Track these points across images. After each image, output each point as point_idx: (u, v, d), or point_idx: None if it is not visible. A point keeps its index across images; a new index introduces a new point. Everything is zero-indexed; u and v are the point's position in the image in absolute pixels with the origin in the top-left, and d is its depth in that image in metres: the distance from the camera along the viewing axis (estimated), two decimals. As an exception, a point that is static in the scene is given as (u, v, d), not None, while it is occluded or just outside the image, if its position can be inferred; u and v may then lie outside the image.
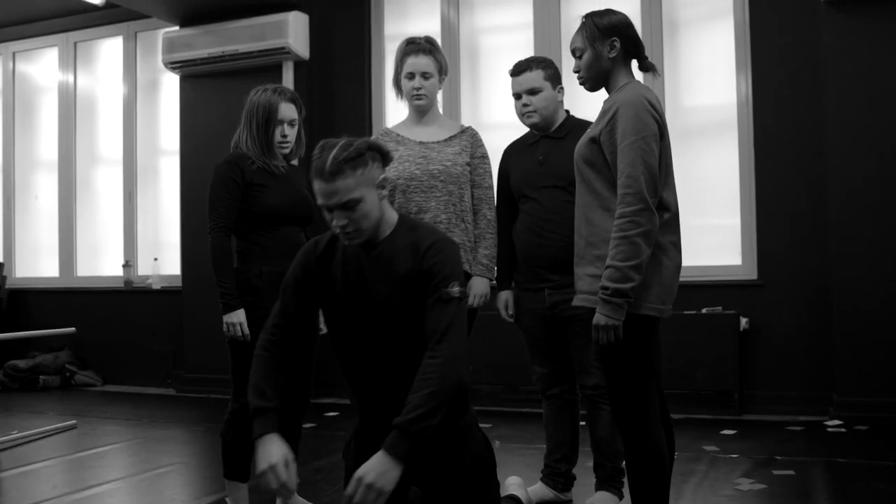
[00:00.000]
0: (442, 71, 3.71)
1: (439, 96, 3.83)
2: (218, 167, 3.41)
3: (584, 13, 2.94)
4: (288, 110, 3.46)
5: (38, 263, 8.25)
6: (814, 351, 5.58)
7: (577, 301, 2.86)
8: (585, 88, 2.96)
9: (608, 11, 2.90)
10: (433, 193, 3.59)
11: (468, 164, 3.68)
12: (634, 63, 2.93)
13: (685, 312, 5.71)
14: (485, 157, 3.76)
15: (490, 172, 3.75)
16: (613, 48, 2.84)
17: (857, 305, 5.31)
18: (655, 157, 2.68)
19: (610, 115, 2.76)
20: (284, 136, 3.46)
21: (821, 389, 5.49)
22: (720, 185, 5.93)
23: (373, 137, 3.74)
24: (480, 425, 2.81)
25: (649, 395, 2.76)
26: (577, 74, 2.93)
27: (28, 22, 8.14)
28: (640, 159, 2.65)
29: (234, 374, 3.37)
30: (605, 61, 2.85)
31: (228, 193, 3.34)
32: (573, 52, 2.91)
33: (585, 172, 2.83)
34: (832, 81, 5.44)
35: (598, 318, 2.66)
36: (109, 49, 8.00)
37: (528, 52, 6.37)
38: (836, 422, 5.22)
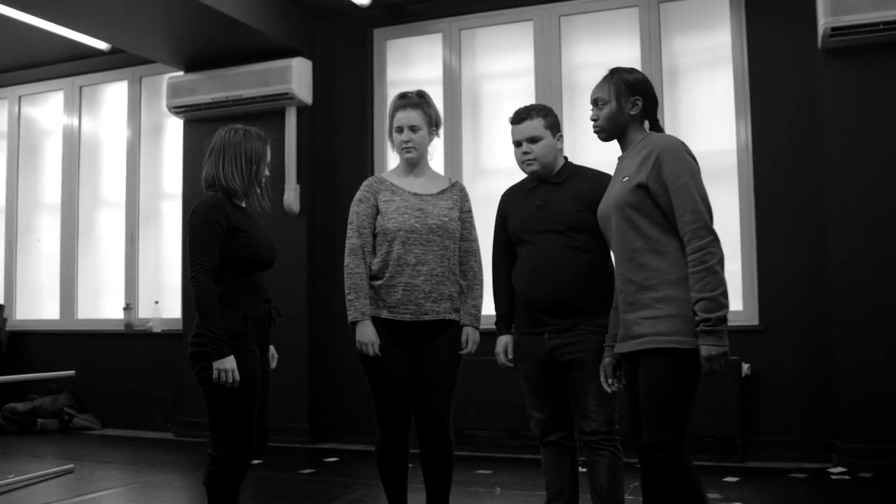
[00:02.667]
0: (432, 123, 3.80)
1: (432, 148, 3.89)
2: (201, 209, 3.40)
3: (612, 67, 3.14)
4: (269, 153, 3.60)
5: (39, 306, 8.24)
6: (817, 397, 5.55)
7: (639, 345, 2.88)
8: (600, 138, 3.09)
9: (634, 70, 3.08)
10: (431, 247, 3.70)
11: (458, 219, 3.80)
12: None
13: (687, 358, 5.69)
14: (470, 211, 3.91)
15: (475, 226, 3.89)
16: (636, 106, 3.00)
17: (860, 351, 5.30)
18: (706, 193, 2.86)
19: (652, 160, 2.87)
20: (266, 175, 3.59)
21: (824, 436, 5.46)
22: (721, 230, 5.83)
23: (365, 183, 3.79)
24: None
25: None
26: (594, 122, 3.06)
27: (34, 66, 8.22)
28: (698, 195, 2.83)
29: (216, 421, 3.38)
30: (625, 116, 3.01)
31: (213, 237, 3.32)
32: (595, 101, 3.06)
33: (634, 218, 2.91)
34: (831, 128, 5.49)
35: (709, 350, 2.73)
36: (114, 93, 8.08)
37: (529, 98, 6.44)
38: (840, 469, 5.19)
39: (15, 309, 8.29)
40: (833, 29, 5.28)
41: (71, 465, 5.65)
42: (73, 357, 7.09)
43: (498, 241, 3.74)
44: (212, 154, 3.59)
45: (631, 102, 3.00)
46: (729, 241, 5.88)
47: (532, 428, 3.64)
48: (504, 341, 3.69)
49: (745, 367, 5.60)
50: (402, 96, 3.80)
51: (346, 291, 3.72)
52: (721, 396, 5.56)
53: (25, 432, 7.29)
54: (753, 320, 5.79)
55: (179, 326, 7.22)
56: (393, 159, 6.81)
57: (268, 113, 6.84)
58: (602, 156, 6.23)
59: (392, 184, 3.81)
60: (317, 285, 6.89)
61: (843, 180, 5.42)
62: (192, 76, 6.99)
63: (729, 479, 5.07)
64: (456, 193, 3.86)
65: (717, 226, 6.08)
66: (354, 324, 3.68)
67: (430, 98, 3.84)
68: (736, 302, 5.88)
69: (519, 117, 3.65)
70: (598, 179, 3.53)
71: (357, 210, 3.80)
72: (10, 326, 8.10)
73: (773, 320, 5.69)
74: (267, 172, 3.57)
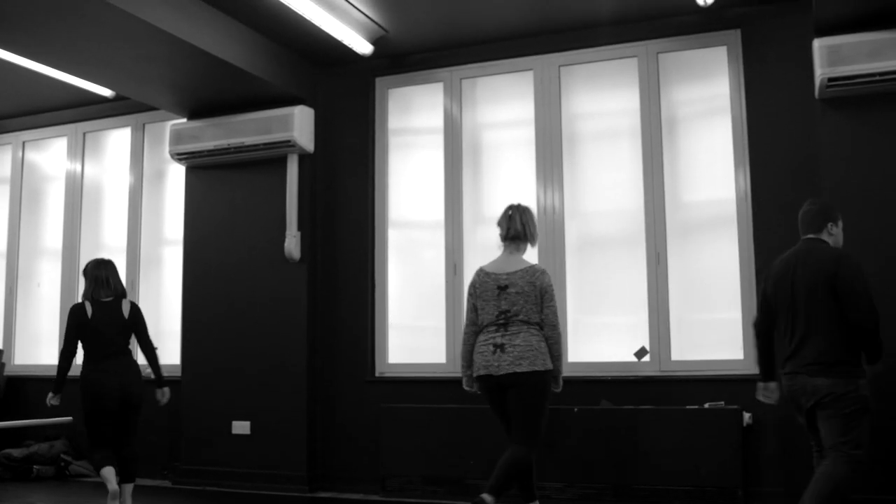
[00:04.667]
0: None
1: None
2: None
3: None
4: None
5: (38, 351, 8.20)
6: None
7: None
8: None
9: None
10: None
11: None
12: None
13: (687, 407, 5.67)
14: None
15: None
16: None
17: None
18: None
19: None
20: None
21: (826, 487, 5.39)
22: (721, 279, 5.95)
23: None
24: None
25: None
26: None
27: (38, 112, 8.29)
28: None
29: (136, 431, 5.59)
30: None
31: None
32: None
33: None
34: (829, 177, 5.51)
35: None
36: (117, 140, 8.12)
37: (529, 147, 6.49)
38: (843, 521, 5.12)
39: (14, 354, 8.26)
40: (830, 79, 5.33)
41: (66, 514, 5.60)
42: (70, 403, 7.02)
43: None
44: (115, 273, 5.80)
45: None
46: (729, 289, 5.90)
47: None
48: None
49: (747, 416, 5.56)
50: None
51: None
52: (722, 446, 5.53)
53: (21, 479, 7.22)
54: (754, 369, 5.72)
55: (178, 373, 7.18)
56: (394, 206, 6.88)
57: (269, 160, 6.89)
58: (600, 204, 6.29)
59: None
60: (317, 332, 6.87)
61: (842, 228, 5.42)
62: (195, 123, 7.04)
63: (731, 530, 5.01)
64: None
65: (717, 275, 6.10)
66: None
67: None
68: (736, 351, 5.86)
69: None
70: None
71: None
72: (8, 371, 8.07)
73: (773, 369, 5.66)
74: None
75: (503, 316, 4.78)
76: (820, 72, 5.35)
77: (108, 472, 5.36)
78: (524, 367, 4.67)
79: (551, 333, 4.79)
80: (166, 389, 5.84)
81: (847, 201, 5.43)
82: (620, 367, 6.04)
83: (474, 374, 4.89)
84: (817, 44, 5.39)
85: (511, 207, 5.02)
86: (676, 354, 6.00)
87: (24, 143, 8.55)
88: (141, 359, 5.89)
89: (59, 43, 5.67)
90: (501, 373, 4.70)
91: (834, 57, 5.31)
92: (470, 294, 4.99)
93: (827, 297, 4.18)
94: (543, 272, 4.87)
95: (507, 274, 4.85)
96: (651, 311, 6.04)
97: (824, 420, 4.19)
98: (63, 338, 5.69)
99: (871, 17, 5.24)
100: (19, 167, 8.55)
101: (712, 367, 5.85)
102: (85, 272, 5.82)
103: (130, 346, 5.78)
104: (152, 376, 5.79)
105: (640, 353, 6.01)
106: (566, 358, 6.19)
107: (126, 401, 5.52)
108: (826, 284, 4.18)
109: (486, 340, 4.81)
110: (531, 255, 5.12)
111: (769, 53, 5.90)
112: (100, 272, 5.73)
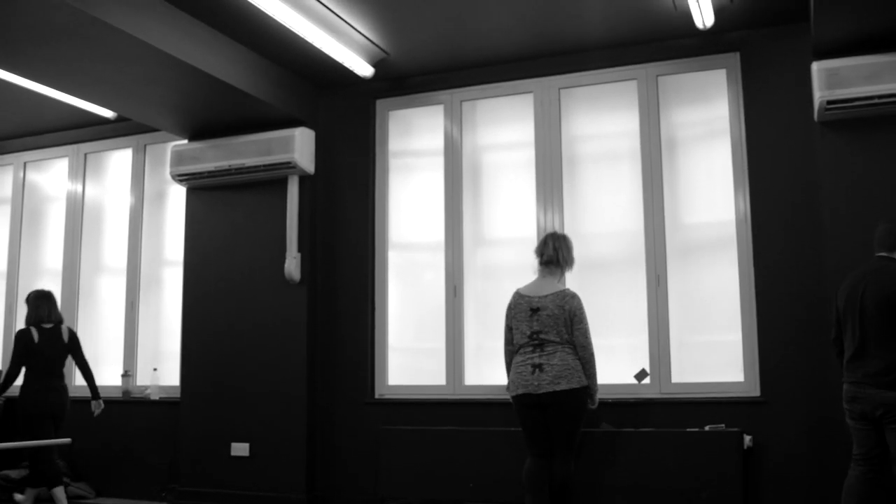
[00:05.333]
0: None
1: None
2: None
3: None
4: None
5: (37, 372, 8.18)
6: (820, 468, 5.49)
7: None
8: None
9: None
10: None
11: None
12: None
13: (688, 430, 5.65)
14: None
15: None
16: None
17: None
18: None
19: None
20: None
21: (828, 510, 5.38)
22: (721, 301, 5.95)
23: None
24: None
25: None
26: None
27: (40, 133, 8.31)
28: None
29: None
30: None
31: None
32: None
33: None
34: (828, 198, 5.52)
35: None
36: (119, 160, 8.13)
37: (529, 169, 6.50)
38: (845, 544, 5.10)
39: (12, 375, 8.23)
40: (829, 102, 5.35)
41: (63, 536, 5.57)
42: (69, 424, 7.00)
43: None
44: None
45: None
46: (728, 311, 5.90)
47: None
48: None
49: (747, 438, 5.55)
50: None
51: None
52: (722, 469, 5.50)
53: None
54: (754, 391, 5.75)
55: (177, 394, 7.17)
56: (395, 228, 6.89)
57: (270, 182, 6.90)
58: (600, 226, 6.30)
59: None
60: (316, 353, 6.86)
61: (842, 249, 5.44)
62: (196, 144, 7.06)
63: (732, 554, 4.98)
64: None
65: (717, 297, 6.09)
66: None
67: None
68: (737, 373, 5.85)
69: None
70: None
71: None
72: (6, 392, 8.03)
73: (774, 391, 5.66)
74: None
75: (536, 336, 5.11)
76: (819, 94, 5.37)
77: (59, 492, 6.23)
78: (563, 386, 5.00)
79: (583, 354, 5.11)
80: (101, 401, 6.60)
81: (847, 223, 5.44)
82: (620, 390, 6.03)
83: (511, 393, 5.20)
84: (816, 67, 5.41)
85: (548, 235, 5.45)
86: (677, 377, 5.99)
87: (25, 163, 8.56)
88: (78, 377, 6.79)
89: (60, 64, 5.69)
90: (541, 391, 5.01)
91: (833, 80, 5.33)
92: (506, 315, 5.31)
93: (891, 313, 4.42)
94: (573, 296, 5.19)
95: (540, 297, 5.18)
96: (651, 332, 6.04)
97: (892, 432, 4.38)
98: (10, 361, 6.33)
99: (869, 40, 5.27)
100: (20, 188, 8.56)
101: (713, 389, 5.84)
102: (28, 300, 6.58)
103: (65, 369, 6.56)
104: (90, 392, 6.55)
105: (641, 375, 6.00)
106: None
107: (52, 417, 6.28)
108: (890, 301, 4.43)
109: (525, 361, 5.12)
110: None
111: (768, 76, 5.93)
112: (41, 301, 6.52)
